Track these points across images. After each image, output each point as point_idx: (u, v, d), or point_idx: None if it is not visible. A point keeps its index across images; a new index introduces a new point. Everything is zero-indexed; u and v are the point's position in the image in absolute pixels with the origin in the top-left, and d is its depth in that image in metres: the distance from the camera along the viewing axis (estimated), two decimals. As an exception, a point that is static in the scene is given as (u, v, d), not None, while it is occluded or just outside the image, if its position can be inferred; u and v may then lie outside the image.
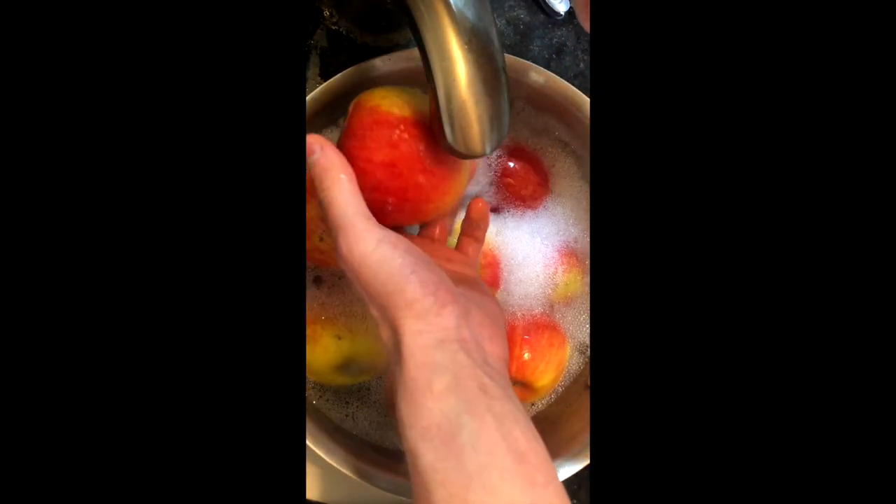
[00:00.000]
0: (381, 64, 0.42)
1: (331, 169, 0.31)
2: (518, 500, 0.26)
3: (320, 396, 0.46)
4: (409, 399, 0.28)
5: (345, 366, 0.44)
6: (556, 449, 0.43)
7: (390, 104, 0.35)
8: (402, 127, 0.34)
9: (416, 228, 0.44)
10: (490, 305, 0.36)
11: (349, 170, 0.32)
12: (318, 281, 0.45)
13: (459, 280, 0.32)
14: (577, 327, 0.48)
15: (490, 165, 0.47)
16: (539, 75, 0.44)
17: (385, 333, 0.31)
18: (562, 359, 0.47)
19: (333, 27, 0.49)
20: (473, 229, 0.42)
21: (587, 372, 0.48)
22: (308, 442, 0.39)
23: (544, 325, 0.47)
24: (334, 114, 0.45)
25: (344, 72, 0.41)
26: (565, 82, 0.44)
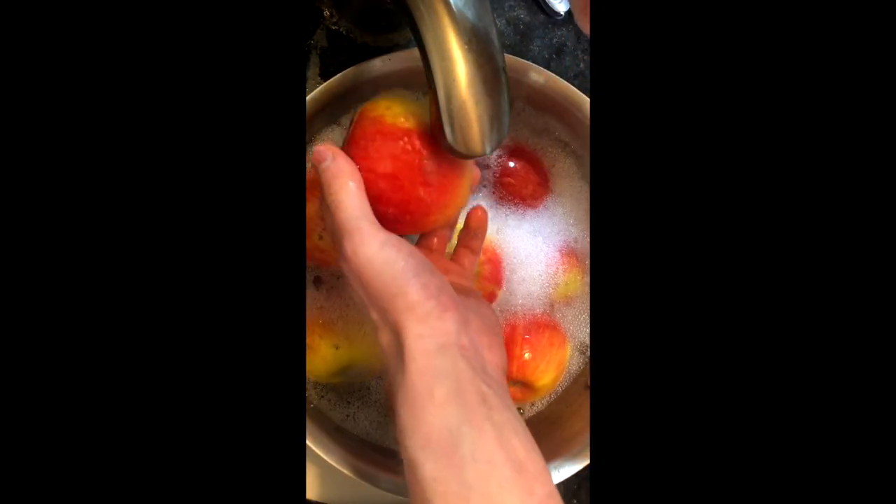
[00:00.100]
0: (381, 64, 0.42)
1: (340, 175, 0.32)
2: None
3: (321, 397, 0.46)
4: (410, 406, 0.28)
5: (342, 372, 0.45)
6: (556, 449, 0.43)
7: (394, 115, 0.34)
8: (405, 139, 0.34)
9: (413, 237, 0.44)
10: (488, 314, 0.36)
11: (358, 177, 0.32)
12: (317, 282, 0.45)
13: (456, 290, 0.32)
14: (578, 327, 0.48)
15: (490, 165, 0.47)
16: (539, 75, 0.44)
17: (385, 337, 0.31)
18: (562, 358, 0.47)
19: (333, 27, 0.49)
20: (471, 239, 0.42)
21: (587, 372, 0.48)
22: (308, 442, 0.39)
23: (545, 325, 0.47)
24: (334, 113, 0.45)
25: (344, 72, 0.41)
26: (565, 82, 0.44)
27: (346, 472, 0.40)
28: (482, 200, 0.47)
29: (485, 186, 0.47)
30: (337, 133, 0.46)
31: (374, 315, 0.31)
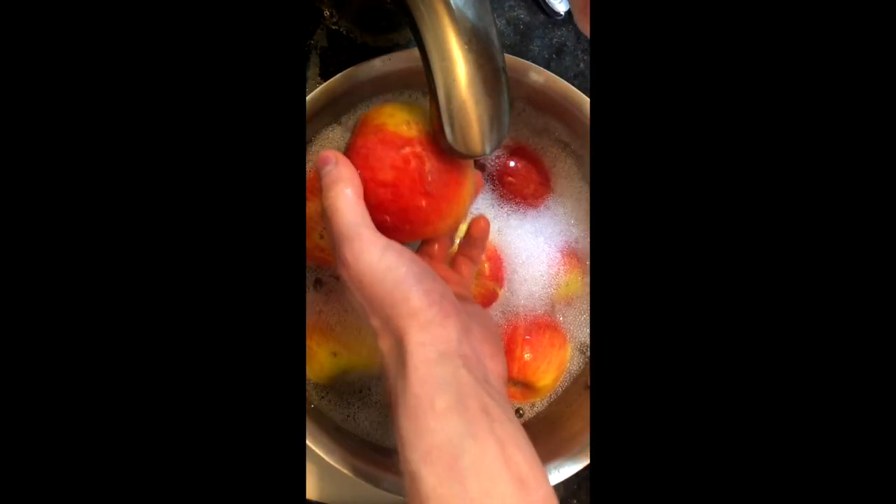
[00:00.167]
0: (381, 64, 0.42)
1: (339, 181, 0.32)
2: None
3: (322, 397, 0.46)
4: (412, 416, 0.28)
5: (339, 378, 0.45)
6: (556, 449, 0.43)
7: (397, 122, 0.34)
8: (406, 148, 0.34)
9: (413, 244, 0.43)
10: (488, 322, 0.36)
11: (357, 183, 0.32)
12: (318, 284, 0.45)
13: (449, 291, 0.32)
14: (578, 327, 0.48)
15: (491, 165, 0.47)
16: (539, 75, 0.44)
17: (385, 343, 0.30)
18: (563, 359, 0.47)
19: (333, 27, 0.49)
20: (471, 248, 0.42)
21: (587, 372, 0.48)
22: (308, 442, 0.39)
23: (545, 326, 0.47)
24: (334, 113, 0.45)
25: (344, 72, 0.41)
26: (565, 82, 0.44)
27: (346, 472, 0.40)
28: (483, 199, 0.47)
29: (486, 185, 0.47)
30: (337, 132, 0.46)
31: (375, 322, 0.31)
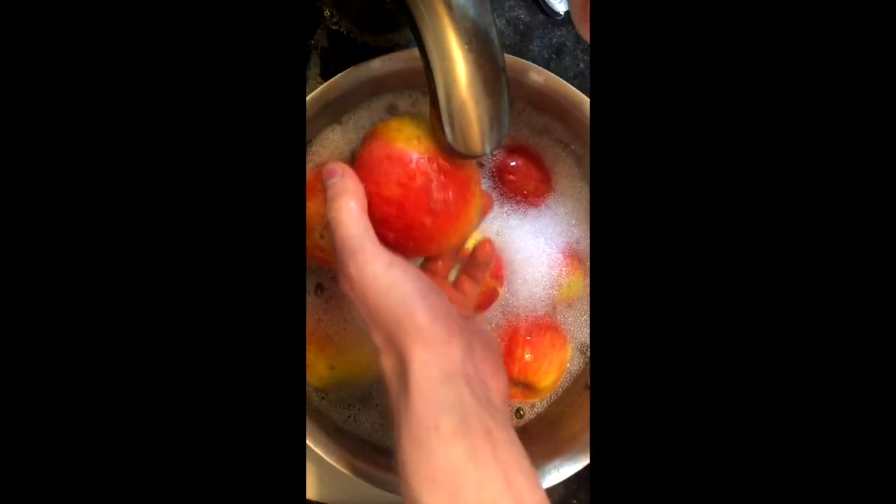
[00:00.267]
0: (382, 64, 0.42)
1: (343, 194, 0.31)
2: None
3: (322, 398, 0.46)
4: (415, 439, 0.27)
5: (336, 388, 0.45)
6: (556, 449, 0.43)
7: (405, 138, 0.34)
8: (413, 165, 0.33)
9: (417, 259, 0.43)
10: (489, 340, 0.36)
11: (361, 196, 0.32)
12: (319, 289, 0.45)
13: (452, 308, 0.32)
14: (578, 328, 0.48)
15: (491, 163, 0.47)
16: (539, 75, 0.44)
17: (388, 361, 0.30)
18: (563, 359, 0.47)
19: (334, 27, 0.49)
20: (475, 270, 0.41)
21: (587, 372, 0.48)
22: (308, 442, 0.39)
23: (546, 326, 0.47)
24: (334, 113, 0.45)
25: (344, 72, 0.41)
26: (565, 82, 0.44)
27: (346, 472, 0.40)
28: (483, 200, 0.47)
29: (486, 185, 0.47)
30: (337, 132, 0.46)
31: (377, 338, 0.30)
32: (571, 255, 0.47)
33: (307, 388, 0.45)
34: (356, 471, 0.40)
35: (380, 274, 0.29)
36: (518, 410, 0.48)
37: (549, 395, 0.48)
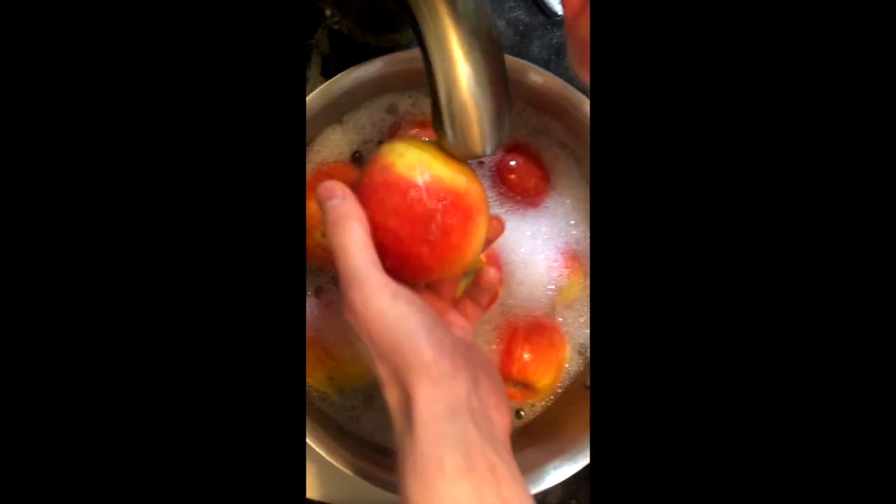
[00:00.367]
0: (383, 64, 0.42)
1: (347, 218, 0.31)
2: None
3: (324, 399, 0.46)
4: (419, 477, 0.27)
5: (337, 391, 0.45)
6: (556, 449, 0.43)
7: (406, 164, 0.32)
8: (412, 193, 0.32)
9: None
10: (493, 371, 0.35)
11: (365, 222, 0.31)
12: (318, 292, 0.45)
13: (457, 340, 0.32)
14: (577, 329, 0.48)
15: (490, 163, 0.47)
16: (539, 76, 0.44)
17: (392, 395, 0.30)
18: (562, 359, 0.47)
19: (335, 27, 0.49)
20: (478, 294, 0.40)
21: (587, 373, 0.48)
22: (310, 441, 0.39)
23: (545, 327, 0.47)
24: (335, 113, 0.45)
25: (345, 72, 0.41)
26: (565, 83, 0.44)
27: (347, 471, 0.40)
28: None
29: (485, 184, 0.47)
30: (338, 132, 0.46)
31: (382, 371, 0.30)
32: (571, 256, 0.47)
33: (309, 389, 0.45)
34: (358, 470, 0.40)
35: (385, 307, 0.29)
36: (518, 411, 0.48)
37: (547, 395, 0.48)
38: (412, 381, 0.28)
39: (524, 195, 0.47)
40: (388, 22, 0.49)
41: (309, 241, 0.43)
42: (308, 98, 0.41)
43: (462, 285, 0.41)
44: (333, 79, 0.41)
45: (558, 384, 0.48)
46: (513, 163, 0.47)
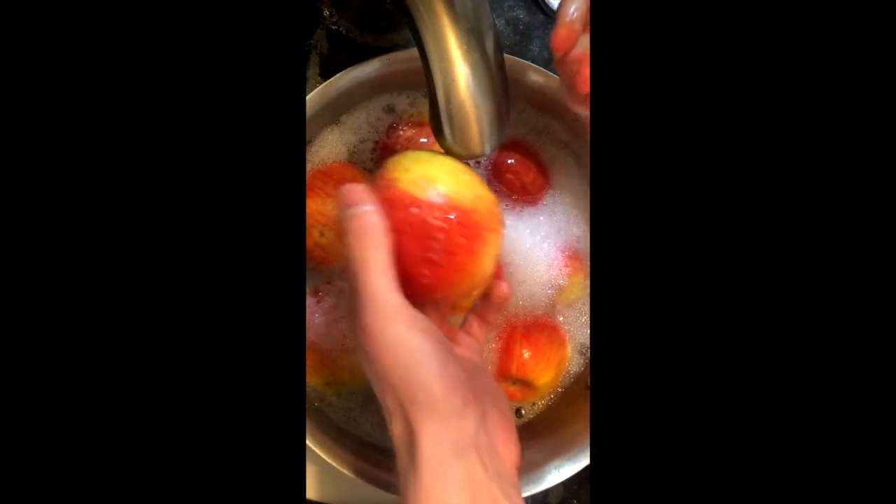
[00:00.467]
0: (381, 64, 0.42)
1: (374, 232, 0.29)
2: None
3: (322, 399, 0.46)
4: None
5: (334, 393, 0.45)
6: (556, 449, 0.43)
7: (410, 180, 0.31)
8: (413, 210, 0.30)
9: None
10: (502, 400, 0.34)
11: (390, 238, 0.29)
12: (316, 293, 0.45)
13: (466, 367, 0.30)
14: (578, 328, 0.48)
15: (487, 161, 0.47)
16: (538, 76, 0.44)
17: (398, 427, 0.28)
18: (562, 357, 0.47)
19: (333, 27, 0.49)
20: (486, 311, 0.38)
21: (587, 372, 0.48)
22: (309, 442, 0.39)
23: (544, 324, 0.47)
24: (334, 113, 0.45)
25: (344, 72, 0.41)
26: (565, 82, 0.44)
27: (346, 472, 0.40)
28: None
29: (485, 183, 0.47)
30: (336, 133, 0.46)
31: (389, 401, 0.28)
32: (571, 255, 0.47)
33: (308, 390, 0.45)
34: (357, 471, 0.40)
35: (400, 337, 0.28)
36: (518, 410, 0.48)
37: (548, 393, 0.48)
38: (419, 418, 0.27)
39: (521, 192, 0.47)
40: (386, 22, 0.49)
41: (308, 241, 0.43)
42: (307, 98, 0.41)
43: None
44: (332, 79, 0.41)
45: (559, 382, 0.48)
46: (510, 161, 0.47)
